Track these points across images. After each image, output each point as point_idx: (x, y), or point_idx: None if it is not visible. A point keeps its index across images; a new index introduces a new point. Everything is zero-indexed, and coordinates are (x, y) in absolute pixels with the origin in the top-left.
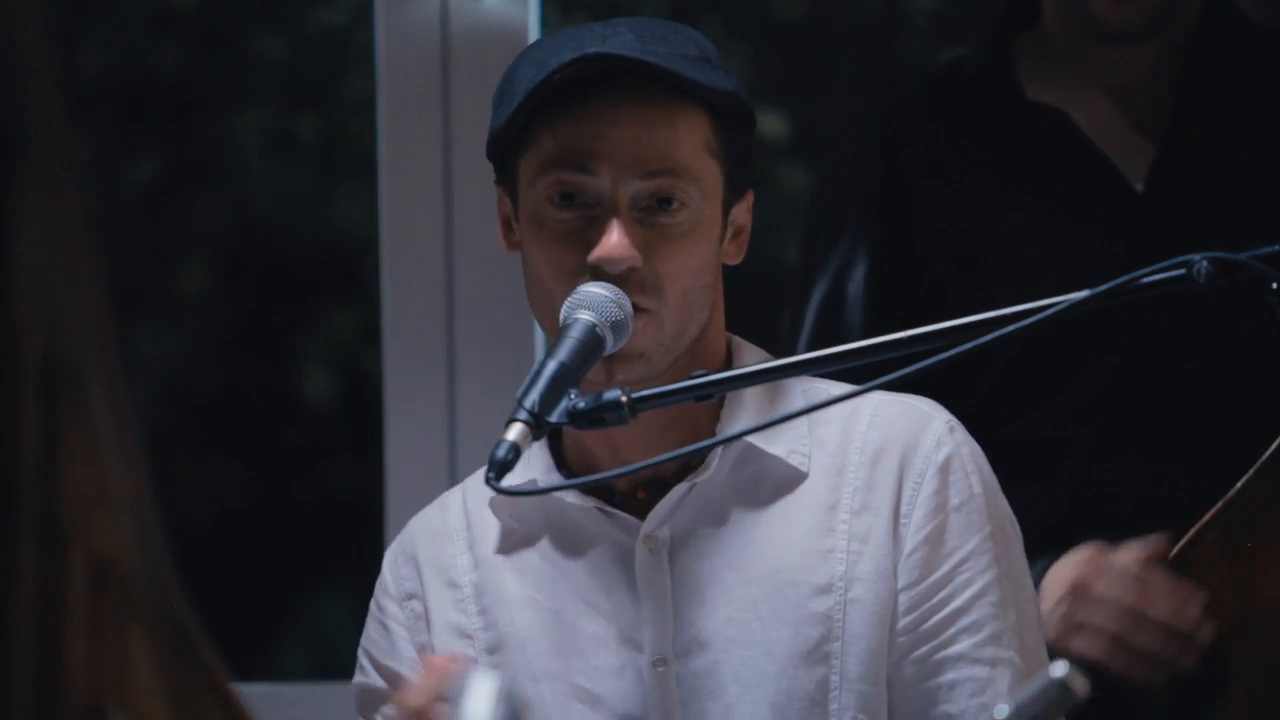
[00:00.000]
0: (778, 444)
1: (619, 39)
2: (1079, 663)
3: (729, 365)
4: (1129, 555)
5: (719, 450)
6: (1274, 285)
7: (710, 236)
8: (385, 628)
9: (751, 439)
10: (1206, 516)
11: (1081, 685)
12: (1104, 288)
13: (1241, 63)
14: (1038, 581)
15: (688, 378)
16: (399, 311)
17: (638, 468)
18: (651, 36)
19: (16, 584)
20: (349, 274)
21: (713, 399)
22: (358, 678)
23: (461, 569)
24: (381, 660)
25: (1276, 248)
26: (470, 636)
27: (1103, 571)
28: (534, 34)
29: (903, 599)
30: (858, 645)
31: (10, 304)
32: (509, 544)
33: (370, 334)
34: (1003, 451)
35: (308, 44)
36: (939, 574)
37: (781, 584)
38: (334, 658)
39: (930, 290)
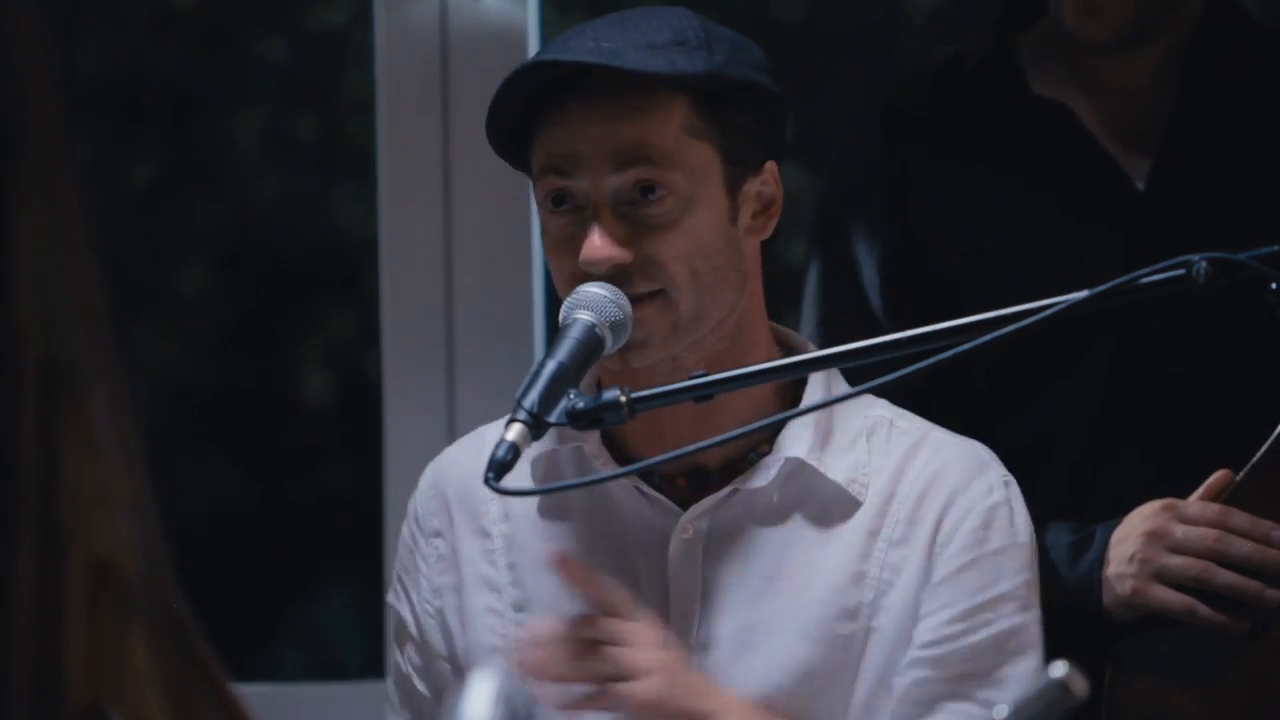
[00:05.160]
0: (838, 470)
1: (578, 40)
2: (1163, 612)
3: (779, 350)
4: (1203, 500)
5: (777, 460)
6: (1273, 285)
7: (711, 217)
8: (411, 554)
9: (813, 463)
10: (1266, 446)
11: (1081, 686)
12: (1104, 288)
13: (1244, 61)
14: (1102, 545)
15: (688, 377)
16: (398, 311)
17: (676, 455)
18: (615, 31)
19: (16, 584)
20: (348, 274)
21: (713, 399)
22: (390, 597)
23: (492, 517)
24: (406, 583)
25: (1276, 248)
26: (498, 590)
27: (1179, 518)
28: (533, 34)
29: (925, 624)
30: (869, 673)
31: (10, 304)
32: (546, 500)
33: (370, 334)
34: (999, 449)
35: (307, 44)
36: (981, 600)
37: (809, 601)
38: (333, 658)
39: (935, 282)
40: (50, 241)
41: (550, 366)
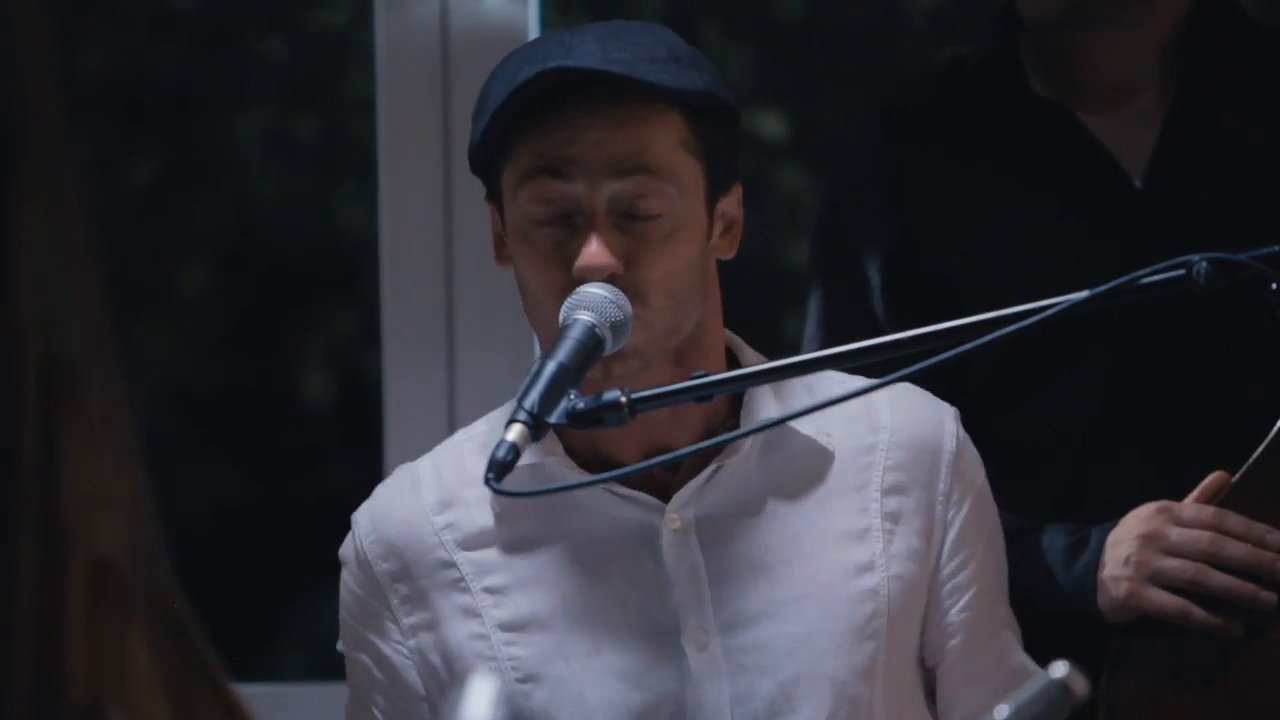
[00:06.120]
0: (804, 424)
1: (583, 49)
2: (1158, 615)
3: (730, 363)
4: (1198, 503)
5: (750, 428)
6: (1273, 285)
7: (695, 235)
8: (365, 601)
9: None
10: (1262, 446)
11: (1081, 686)
12: (1104, 288)
13: (1242, 60)
14: (1098, 547)
15: (689, 378)
16: (399, 311)
17: (655, 463)
18: (617, 42)
19: (16, 584)
20: (349, 274)
21: (712, 399)
22: (340, 646)
23: (448, 548)
24: (362, 630)
25: (1276, 248)
26: (478, 615)
27: (1174, 520)
28: (534, 34)
29: (963, 575)
30: (899, 623)
31: (10, 304)
32: (507, 523)
33: (370, 334)
34: (997, 449)
35: (308, 44)
36: (988, 530)
37: (826, 564)
38: (333, 658)
39: (935, 282)
40: (50, 241)
41: (550, 367)
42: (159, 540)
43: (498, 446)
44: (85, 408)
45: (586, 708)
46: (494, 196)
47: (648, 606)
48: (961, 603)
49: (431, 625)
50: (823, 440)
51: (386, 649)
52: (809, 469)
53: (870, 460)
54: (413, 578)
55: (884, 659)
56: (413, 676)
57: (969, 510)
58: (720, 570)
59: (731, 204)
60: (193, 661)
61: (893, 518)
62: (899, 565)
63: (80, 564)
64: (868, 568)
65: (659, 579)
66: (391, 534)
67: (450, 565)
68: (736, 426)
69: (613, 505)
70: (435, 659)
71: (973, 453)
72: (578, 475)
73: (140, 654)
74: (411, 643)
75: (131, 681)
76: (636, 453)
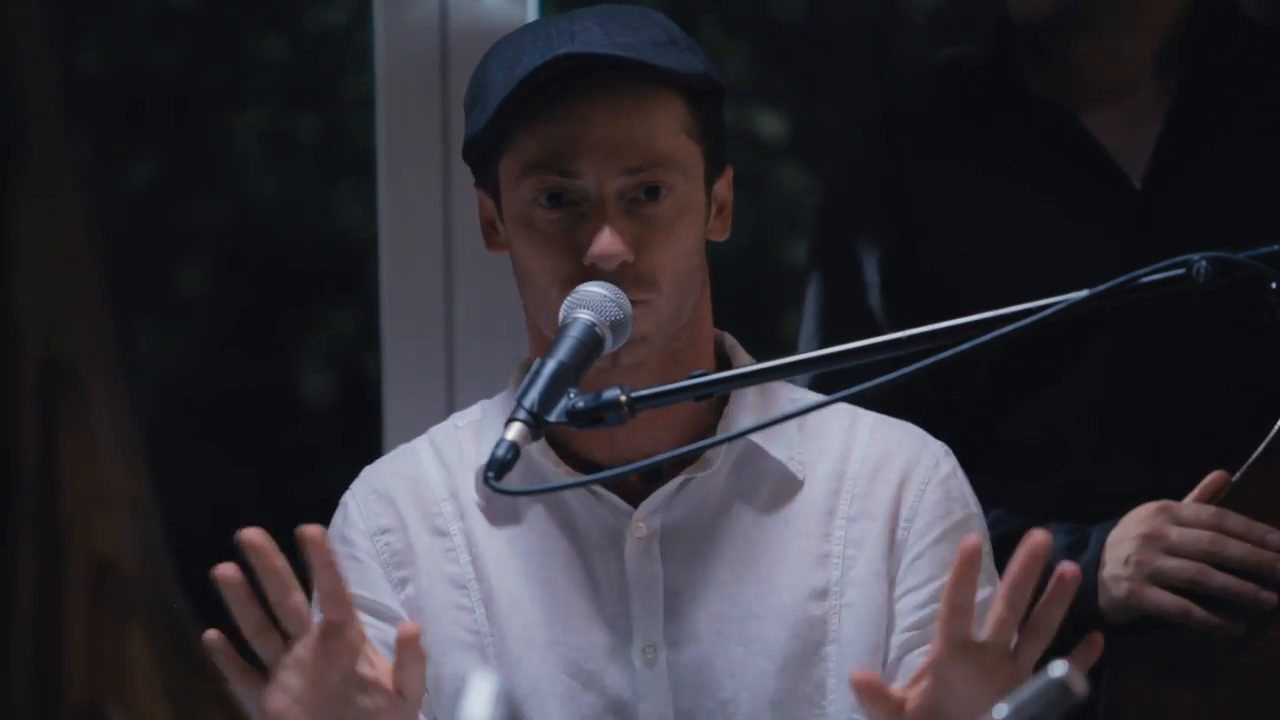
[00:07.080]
0: (778, 448)
1: (587, 34)
2: (1158, 614)
3: (720, 356)
4: (1198, 502)
5: (722, 448)
6: (1273, 285)
7: (697, 218)
8: (355, 559)
9: (755, 438)
10: (1261, 447)
11: (1081, 685)
12: (1103, 287)
13: (1240, 59)
14: (1098, 547)
15: (687, 377)
16: (398, 311)
17: (642, 466)
18: (618, 26)
19: (16, 584)
20: (348, 274)
21: (711, 398)
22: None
23: (447, 517)
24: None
25: (1275, 247)
26: (464, 587)
27: (1174, 520)
28: None
29: (911, 598)
30: (852, 648)
31: (10, 304)
32: (494, 506)
33: (370, 334)
34: (997, 449)
35: (307, 44)
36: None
37: (779, 586)
38: None
39: (934, 282)
40: (51, 241)
41: (550, 366)
42: (159, 540)
43: (498, 445)
44: (85, 408)
45: (541, 695)
46: (485, 183)
47: (607, 611)
48: (908, 621)
49: (415, 582)
50: (793, 467)
51: (376, 597)
52: (778, 491)
53: (839, 486)
54: (406, 534)
55: (837, 685)
56: (397, 605)
57: (942, 545)
58: (677, 583)
59: (724, 186)
60: (193, 661)
61: (857, 544)
62: (855, 593)
63: (80, 564)
64: (821, 595)
65: (620, 585)
66: (393, 494)
67: (444, 534)
68: (712, 435)
69: (589, 503)
70: (415, 617)
71: (961, 490)
72: (558, 469)
73: (140, 654)
74: (401, 595)
75: (131, 681)
76: (611, 455)
